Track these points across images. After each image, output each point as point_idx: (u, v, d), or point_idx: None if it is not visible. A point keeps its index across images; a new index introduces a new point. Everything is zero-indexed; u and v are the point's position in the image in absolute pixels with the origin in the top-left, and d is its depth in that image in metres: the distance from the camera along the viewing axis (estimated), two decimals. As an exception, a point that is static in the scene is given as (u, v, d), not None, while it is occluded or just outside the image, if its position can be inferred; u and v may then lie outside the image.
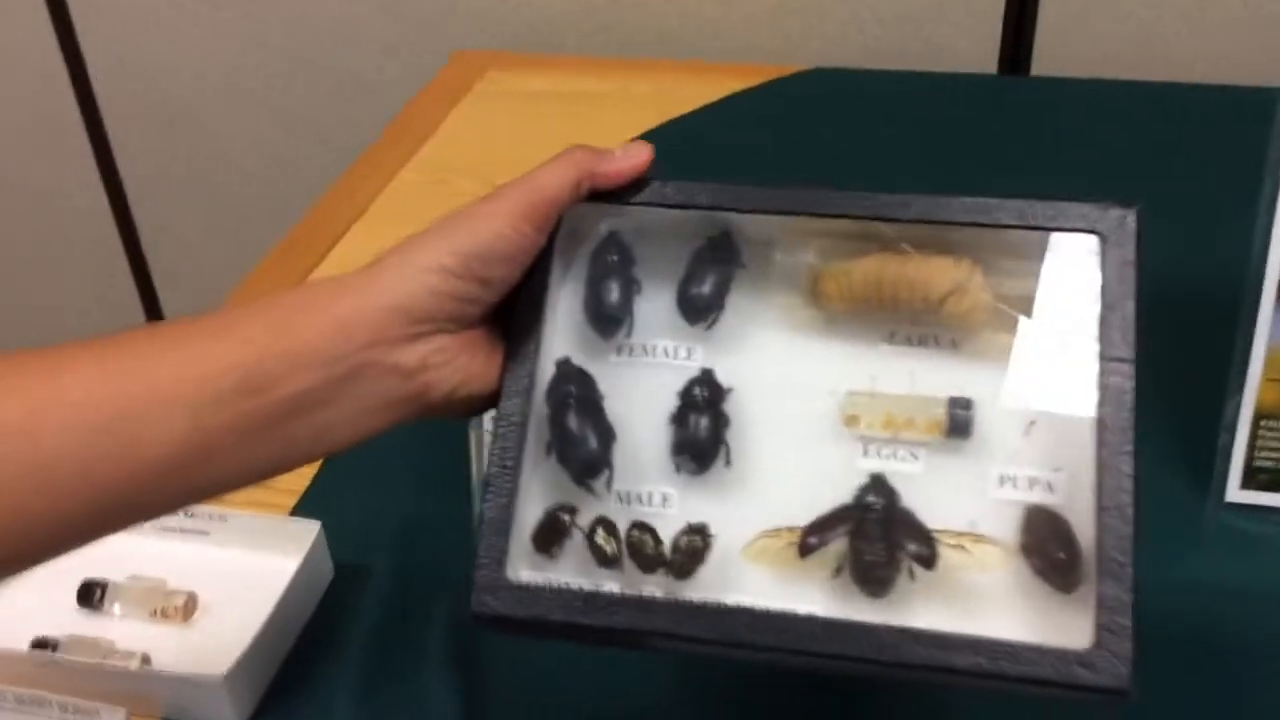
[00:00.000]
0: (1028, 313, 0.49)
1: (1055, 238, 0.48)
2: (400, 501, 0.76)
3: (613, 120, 1.14)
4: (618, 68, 1.28)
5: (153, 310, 1.71)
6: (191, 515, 0.73)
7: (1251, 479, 0.71)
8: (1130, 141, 1.07)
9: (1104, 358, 0.46)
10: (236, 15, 1.44)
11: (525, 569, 0.50)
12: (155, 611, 0.69)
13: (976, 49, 1.28)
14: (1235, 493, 0.72)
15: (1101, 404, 0.46)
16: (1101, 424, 0.46)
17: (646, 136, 1.09)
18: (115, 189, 1.62)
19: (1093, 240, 0.48)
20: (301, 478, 0.78)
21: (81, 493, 0.42)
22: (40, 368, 0.43)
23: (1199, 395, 0.73)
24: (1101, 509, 0.45)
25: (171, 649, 0.66)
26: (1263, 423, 0.70)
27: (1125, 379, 0.46)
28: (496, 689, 0.65)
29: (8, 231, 1.70)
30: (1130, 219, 0.48)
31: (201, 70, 1.49)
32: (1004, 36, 1.27)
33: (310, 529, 0.70)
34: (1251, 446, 0.71)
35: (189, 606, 0.69)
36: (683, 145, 1.10)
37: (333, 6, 1.40)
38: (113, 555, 0.59)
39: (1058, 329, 0.48)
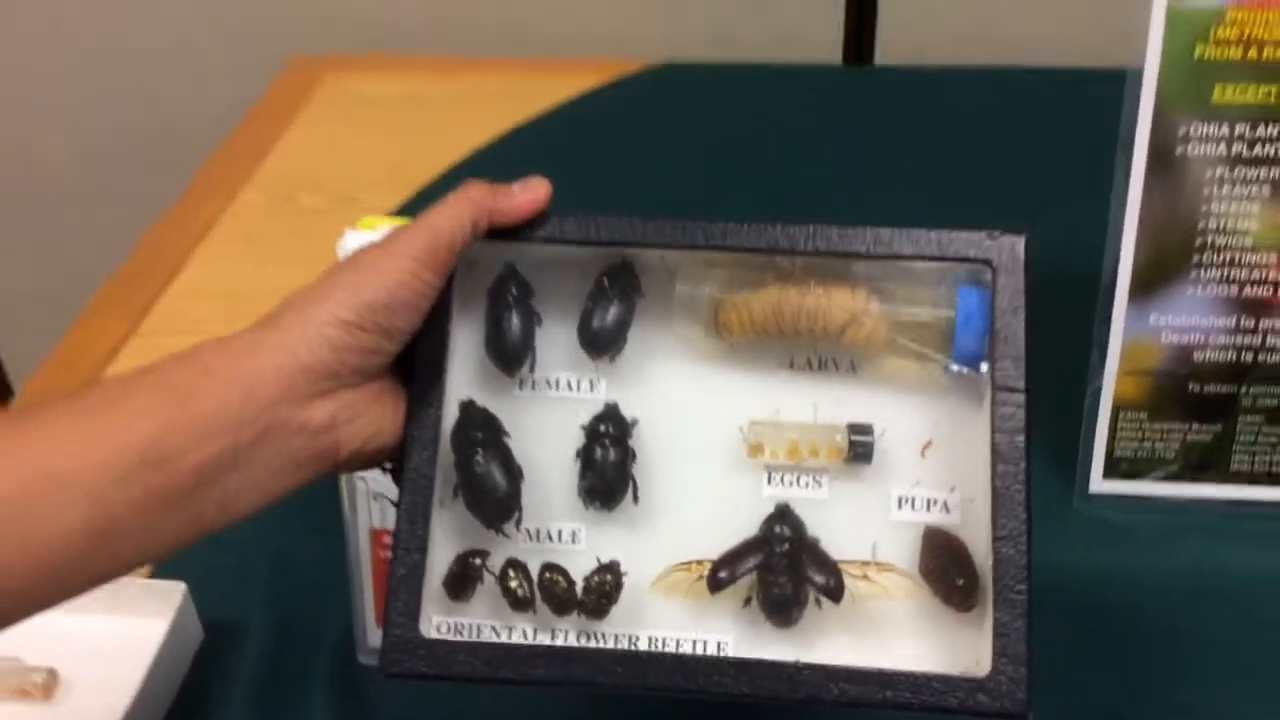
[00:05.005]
0: (923, 339, 0.50)
1: (948, 266, 0.50)
2: (269, 549, 0.73)
3: (461, 124, 1.13)
4: (462, 67, 1.26)
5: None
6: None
7: (1113, 469, 0.74)
8: (979, 129, 1.11)
9: (997, 387, 0.48)
10: (37, 30, 1.37)
11: (437, 615, 0.50)
12: (14, 692, 0.65)
13: (821, 36, 1.30)
14: (1099, 483, 0.75)
15: (995, 433, 0.48)
16: (995, 453, 0.47)
17: (500, 141, 1.09)
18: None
19: (984, 269, 0.49)
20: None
21: None
22: None
23: (1061, 388, 0.75)
24: (997, 539, 0.46)
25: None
26: (1121, 414, 0.73)
27: (1017, 409, 0.48)
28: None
29: None
30: (1019, 246, 0.49)
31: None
32: (847, 24, 1.30)
33: (175, 590, 0.67)
34: (1112, 437, 0.74)
35: (49, 684, 0.65)
36: (538, 149, 1.10)
37: (152, 19, 1.35)
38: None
39: (951, 355, 0.50)
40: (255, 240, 0.99)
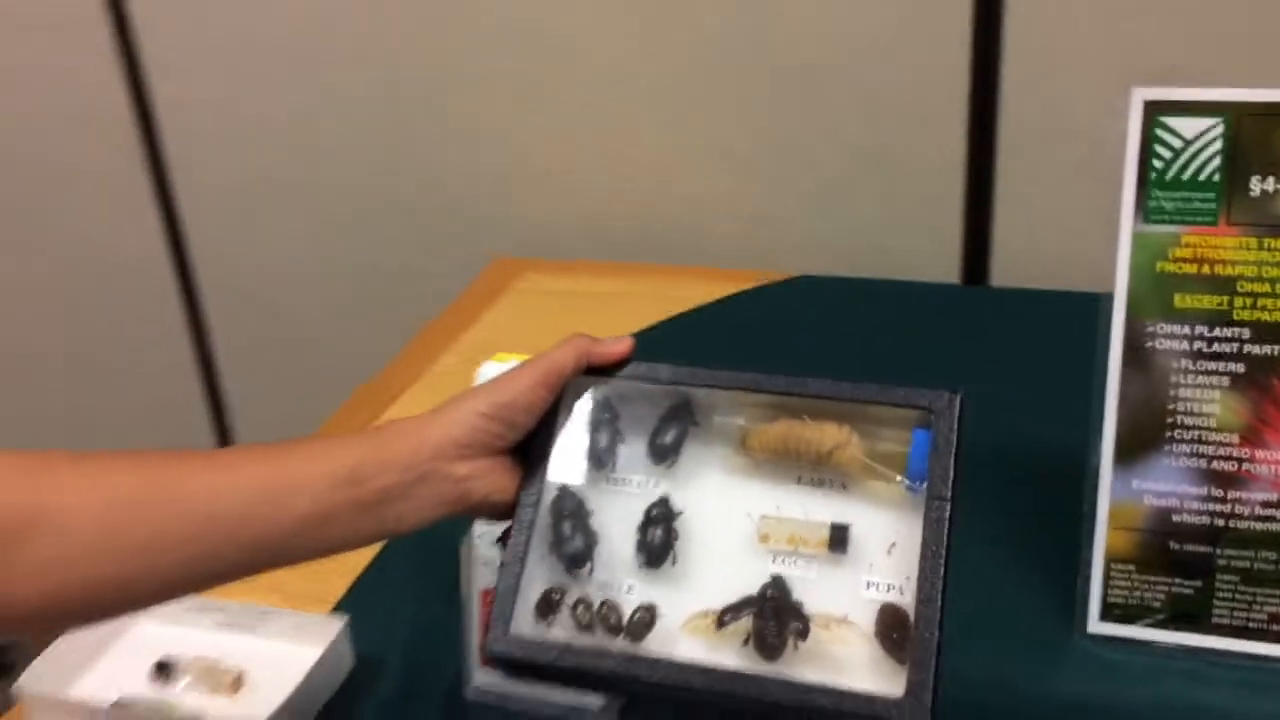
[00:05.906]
0: (887, 463, 0.69)
1: (906, 412, 0.69)
2: (409, 601, 0.97)
3: (618, 315, 1.36)
4: (628, 271, 1.51)
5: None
6: (244, 613, 0.93)
7: (1109, 613, 0.88)
8: (1056, 336, 1.24)
9: (930, 497, 0.67)
10: (316, 221, 1.73)
11: (528, 630, 0.70)
12: (212, 684, 0.89)
13: (941, 259, 1.50)
14: (1096, 625, 0.88)
15: (925, 528, 0.66)
16: (924, 542, 0.66)
17: (652, 330, 1.33)
18: (207, 362, 1.89)
19: (928, 414, 0.69)
20: (344, 582, 1.00)
21: (247, 540, 0.64)
22: (223, 460, 0.66)
23: (1068, 538, 0.91)
24: (919, 601, 0.65)
25: (221, 714, 0.87)
26: (1113, 565, 0.88)
27: (944, 512, 0.66)
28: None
29: (106, 410, 1.97)
30: (955, 401, 0.68)
31: (287, 264, 1.77)
32: (965, 248, 1.50)
33: (337, 624, 0.90)
34: (1106, 585, 0.88)
35: (238, 682, 0.90)
36: (678, 339, 1.32)
37: (393, 215, 1.68)
38: (183, 640, 0.84)
39: (907, 476, 0.69)
40: (444, 394, 1.23)
